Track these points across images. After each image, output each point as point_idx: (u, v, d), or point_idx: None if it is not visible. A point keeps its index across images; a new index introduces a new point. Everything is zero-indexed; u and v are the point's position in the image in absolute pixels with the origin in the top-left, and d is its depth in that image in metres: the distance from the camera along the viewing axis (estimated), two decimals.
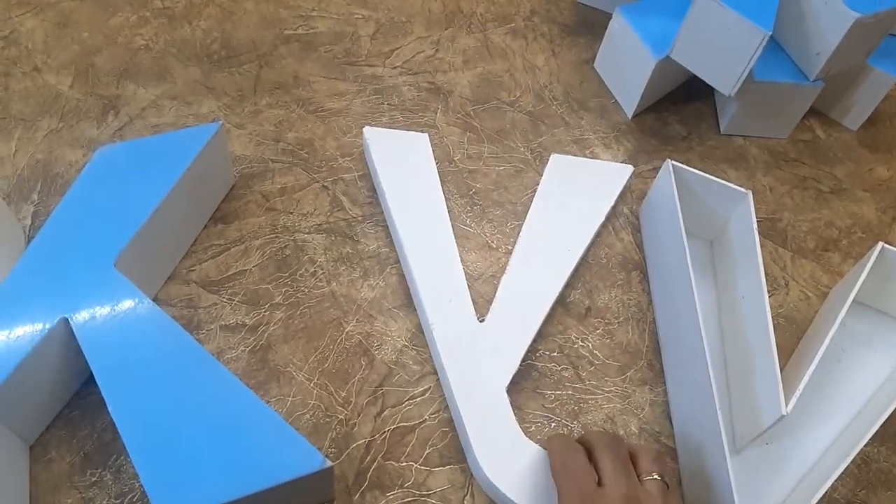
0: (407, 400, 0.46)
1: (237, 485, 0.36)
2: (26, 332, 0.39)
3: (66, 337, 0.40)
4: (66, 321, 0.40)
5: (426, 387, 0.47)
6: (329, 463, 0.37)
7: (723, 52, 0.55)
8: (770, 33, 0.51)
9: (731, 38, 0.53)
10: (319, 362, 0.47)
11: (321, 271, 0.51)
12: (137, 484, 0.41)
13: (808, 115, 0.66)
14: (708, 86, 0.59)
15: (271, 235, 0.52)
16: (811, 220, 0.60)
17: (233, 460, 0.36)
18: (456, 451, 0.44)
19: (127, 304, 0.41)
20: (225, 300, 0.49)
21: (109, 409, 0.37)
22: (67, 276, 0.42)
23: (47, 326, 0.39)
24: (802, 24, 0.58)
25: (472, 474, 0.43)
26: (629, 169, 0.57)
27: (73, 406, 0.44)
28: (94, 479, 0.41)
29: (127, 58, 0.62)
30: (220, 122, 0.50)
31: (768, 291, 0.48)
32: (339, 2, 0.70)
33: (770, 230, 0.58)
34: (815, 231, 0.59)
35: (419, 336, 0.49)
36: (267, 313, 0.49)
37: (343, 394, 0.46)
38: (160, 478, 0.36)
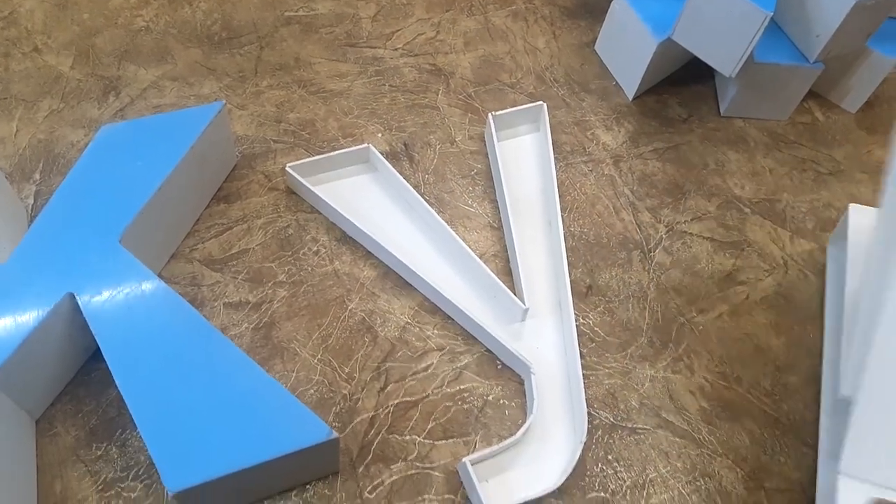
0: (410, 375, 0.46)
1: (243, 456, 0.36)
2: (32, 307, 0.39)
3: (71, 312, 0.41)
4: (71, 296, 0.40)
5: (429, 363, 0.47)
6: (335, 434, 0.37)
7: (724, 33, 0.55)
8: (771, 14, 0.51)
9: (732, 19, 0.53)
10: (323, 339, 0.47)
11: (324, 250, 0.51)
12: (143, 457, 0.42)
13: (807, 98, 0.66)
14: (708, 68, 0.59)
15: (274, 215, 0.53)
16: (810, 201, 0.60)
17: (239, 432, 0.37)
18: (459, 426, 0.45)
19: (132, 279, 0.41)
20: (228, 278, 0.49)
21: (116, 381, 0.38)
22: (73, 252, 0.42)
23: (53, 301, 0.40)
24: (803, 5, 0.58)
25: (475, 447, 0.44)
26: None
27: (78, 382, 0.44)
28: (99, 453, 0.42)
29: (127, 39, 0.62)
30: (223, 101, 0.50)
31: (766, 271, 0.48)
32: None
33: (769, 211, 0.59)
34: (813, 212, 0.59)
35: (421, 314, 0.49)
36: (270, 291, 0.49)
37: (347, 369, 0.46)
38: (167, 449, 0.36)
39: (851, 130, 0.66)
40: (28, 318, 0.39)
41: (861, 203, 0.60)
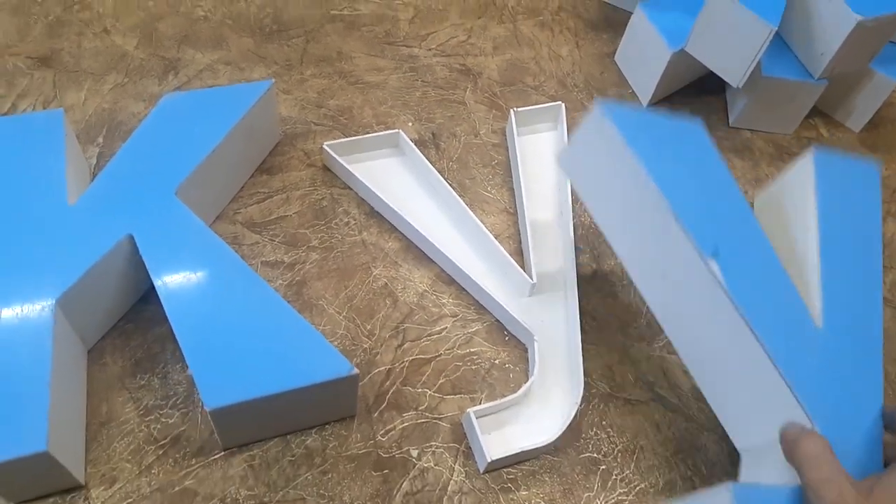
0: (425, 336, 0.51)
1: (274, 382, 0.40)
2: (96, 243, 0.45)
3: (129, 253, 0.46)
4: (130, 238, 0.45)
5: (443, 327, 0.51)
6: (355, 370, 0.42)
7: (732, 45, 0.59)
8: (776, 28, 0.56)
9: (740, 32, 0.58)
10: (348, 299, 0.52)
11: (354, 222, 0.56)
12: (181, 389, 0.46)
13: (813, 115, 0.70)
14: (720, 82, 0.63)
15: (311, 188, 0.58)
16: None
17: (271, 361, 0.41)
18: (466, 383, 0.49)
19: (185, 225, 0.46)
20: (266, 240, 0.54)
21: (165, 310, 0.42)
22: (134, 199, 0.47)
23: (114, 240, 0.45)
24: (808, 23, 0.62)
25: (480, 402, 0.48)
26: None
27: (127, 319, 0.49)
28: (142, 383, 0.46)
29: (187, 26, 0.68)
30: (273, 80, 0.55)
31: None
32: None
33: None
34: None
35: (438, 284, 0.54)
36: (303, 254, 0.54)
37: (368, 327, 0.51)
38: (207, 371, 0.40)
39: (854, 148, 0.70)
40: (91, 252, 0.44)
41: None
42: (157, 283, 0.43)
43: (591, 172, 0.48)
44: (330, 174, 0.59)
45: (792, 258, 0.49)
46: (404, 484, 0.44)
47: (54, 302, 0.42)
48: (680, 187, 0.43)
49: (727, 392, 0.44)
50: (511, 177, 0.61)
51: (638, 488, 0.46)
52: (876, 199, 0.51)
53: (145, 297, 0.50)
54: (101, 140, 0.58)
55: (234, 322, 0.43)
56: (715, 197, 0.46)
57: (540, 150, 0.63)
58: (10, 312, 0.41)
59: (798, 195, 0.51)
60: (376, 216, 0.57)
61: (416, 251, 0.55)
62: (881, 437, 0.41)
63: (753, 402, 0.42)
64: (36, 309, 0.41)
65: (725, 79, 0.62)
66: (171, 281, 0.44)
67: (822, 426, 0.39)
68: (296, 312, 0.44)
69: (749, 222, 0.46)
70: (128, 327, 0.49)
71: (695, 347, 0.45)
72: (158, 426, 0.45)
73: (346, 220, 0.56)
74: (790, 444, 0.38)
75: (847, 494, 0.34)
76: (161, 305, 0.43)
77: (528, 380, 0.49)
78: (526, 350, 0.51)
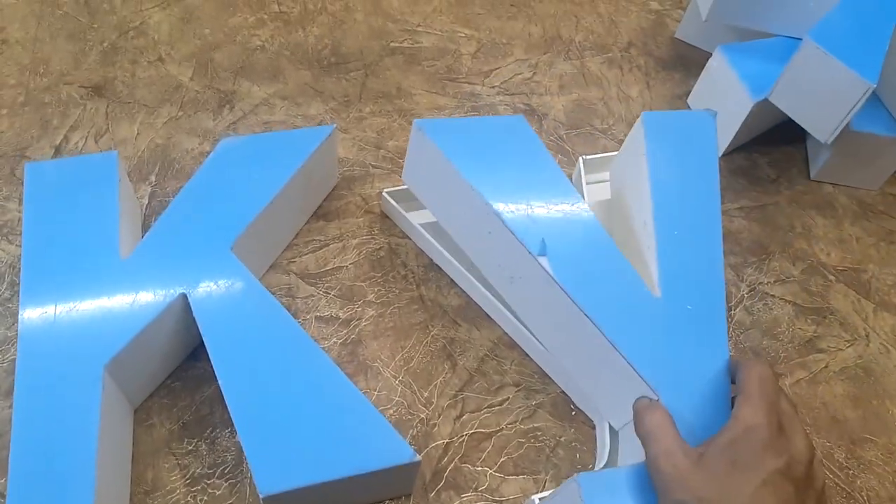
0: (486, 407, 0.48)
1: (332, 468, 0.38)
2: (149, 303, 0.42)
3: (182, 311, 0.43)
4: (184, 297, 0.43)
5: (505, 397, 0.48)
6: (418, 457, 0.39)
7: (824, 99, 0.55)
8: (874, 86, 0.52)
9: (833, 86, 0.54)
10: (405, 361, 0.49)
11: (412, 275, 0.53)
12: (230, 457, 0.44)
13: None
14: (800, 130, 0.59)
15: (368, 237, 0.55)
16: None
17: (330, 444, 0.39)
18: (530, 463, 0.46)
19: (241, 286, 0.43)
20: (321, 293, 0.51)
21: (220, 383, 0.40)
22: (188, 255, 0.45)
23: (168, 300, 0.42)
24: None
25: (544, 486, 0.45)
26: None
27: (175, 377, 0.47)
28: (190, 448, 0.44)
29: (244, 56, 0.66)
30: (335, 125, 0.53)
31: (848, 342, 0.47)
32: (444, 20, 0.73)
33: (854, 280, 0.58)
34: None
35: (500, 347, 0.51)
36: (359, 309, 0.51)
37: (426, 394, 0.48)
38: (262, 454, 0.38)
39: None
40: (144, 312, 0.42)
41: None
42: (211, 349, 0.41)
43: (429, 187, 0.50)
44: (388, 222, 0.56)
45: (632, 229, 0.50)
46: None
47: (103, 367, 0.40)
48: (502, 189, 0.46)
49: (591, 376, 0.45)
50: None
51: None
52: (711, 148, 0.50)
53: (194, 354, 0.47)
54: (153, 178, 0.56)
55: (291, 398, 0.40)
56: (539, 190, 0.47)
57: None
58: (57, 379, 0.39)
59: (633, 162, 0.51)
60: (435, 269, 0.54)
61: (477, 310, 0.52)
62: (728, 392, 0.41)
63: (611, 382, 0.44)
64: (84, 375, 0.39)
65: (813, 133, 0.57)
66: (225, 349, 0.41)
67: (666, 395, 0.41)
68: (355, 388, 0.41)
69: (576, 207, 0.47)
70: (176, 385, 0.46)
71: (556, 339, 0.47)
72: (205, 497, 0.42)
73: (404, 272, 0.53)
74: (637, 419, 0.39)
75: (680, 465, 0.35)
76: (209, 363, 0.41)
77: (596, 461, 0.46)
78: (594, 427, 0.48)
